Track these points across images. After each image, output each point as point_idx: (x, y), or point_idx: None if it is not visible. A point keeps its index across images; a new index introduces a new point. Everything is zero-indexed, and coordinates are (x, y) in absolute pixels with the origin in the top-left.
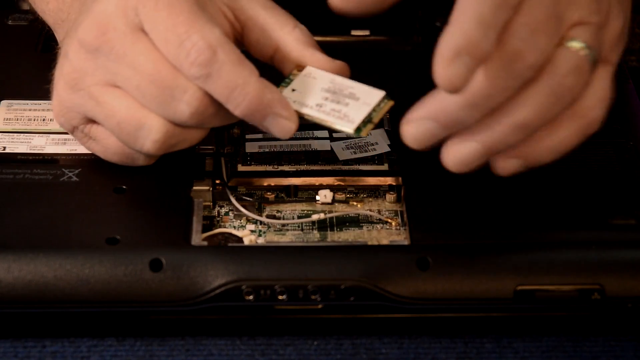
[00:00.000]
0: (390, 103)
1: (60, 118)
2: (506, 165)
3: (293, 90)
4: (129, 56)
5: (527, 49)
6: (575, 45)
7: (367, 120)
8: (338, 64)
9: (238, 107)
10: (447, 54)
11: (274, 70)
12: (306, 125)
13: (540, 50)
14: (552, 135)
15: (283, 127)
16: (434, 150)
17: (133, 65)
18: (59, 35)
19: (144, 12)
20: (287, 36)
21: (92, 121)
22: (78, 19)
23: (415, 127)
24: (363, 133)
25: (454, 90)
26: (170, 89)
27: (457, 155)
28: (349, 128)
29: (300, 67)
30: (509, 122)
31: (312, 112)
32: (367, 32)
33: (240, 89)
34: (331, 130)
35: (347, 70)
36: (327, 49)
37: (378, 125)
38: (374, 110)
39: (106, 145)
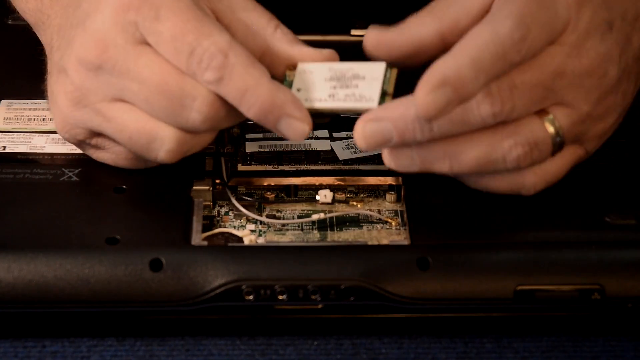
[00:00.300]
0: (395, 70)
1: (65, 134)
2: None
3: (298, 90)
4: (133, 71)
5: (498, 99)
6: (548, 124)
7: (384, 93)
8: (326, 53)
9: (251, 109)
10: (434, 80)
11: None
12: None
13: (510, 108)
14: (484, 179)
15: (296, 129)
16: None
17: (139, 79)
18: (42, 37)
19: (146, 26)
20: (271, 38)
21: (98, 133)
22: (70, 33)
23: (370, 126)
24: None
25: (427, 116)
26: (179, 98)
27: (394, 155)
28: (371, 106)
29: (291, 67)
30: (448, 154)
31: (327, 104)
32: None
33: (252, 90)
34: (352, 115)
35: (336, 56)
36: (327, 48)
37: None
38: (384, 82)
39: (116, 152)
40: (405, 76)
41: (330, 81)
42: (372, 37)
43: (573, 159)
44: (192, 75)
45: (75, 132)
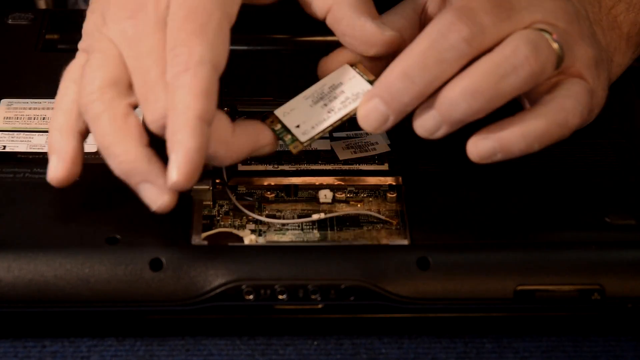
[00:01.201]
0: (360, 65)
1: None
2: (479, 146)
3: (297, 126)
4: (143, 42)
5: (460, 23)
6: (535, 29)
7: (370, 82)
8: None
9: (168, 133)
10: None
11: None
12: None
13: (479, 29)
14: (520, 122)
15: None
16: (434, 150)
17: (141, 51)
18: None
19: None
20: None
21: None
22: None
23: (364, 107)
24: None
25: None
26: (149, 90)
27: (420, 123)
28: None
29: (268, 121)
30: (458, 89)
31: (333, 118)
32: None
33: (175, 120)
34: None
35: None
36: (327, 49)
37: None
38: (362, 75)
39: None
40: None
41: (316, 104)
42: (325, 63)
43: (584, 87)
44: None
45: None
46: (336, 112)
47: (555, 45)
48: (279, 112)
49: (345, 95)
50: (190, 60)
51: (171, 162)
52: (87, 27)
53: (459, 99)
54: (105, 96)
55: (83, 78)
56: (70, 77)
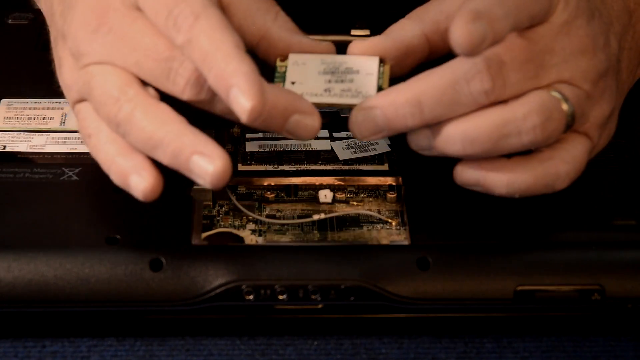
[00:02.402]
0: (388, 66)
1: (71, 104)
2: (464, 174)
3: (292, 83)
4: (128, 35)
5: (487, 75)
6: (555, 94)
7: (379, 88)
8: (324, 46)
9: (209, 75)
10: (469, 14)
11: None
12: None
13: (501, 84)
14: (510, 170)
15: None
16: None
17: (132, 44)
18: (41, 6)
19: None
20: (271, 24)
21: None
22: (71, 2)
23: (362, 114)
24: None
25: (468, 48)
26: (167, 61)
27: (413, 137)
28: None
29: (282, 57)
30: (460, 130)
31: (324, 99)
32: (367, 32)
33: (211, 55)
34: (349, 110)
35: (334, 50)
36: None
37: None
38: (379, 77)
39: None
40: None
41: (324, 74)
42: (357, 45)
43: (586, 148)
44: (170, 38)
45: (70, 95)
46: (330, 95)
47: (568, 112)
48: (293, 56)
49: (350, 85)
50: (194, 9)
51: (234, 95)
52: (66, 76)
53: (456, 140)
54: (128, 96)
55: (97, 99)
56: (92, 124)
